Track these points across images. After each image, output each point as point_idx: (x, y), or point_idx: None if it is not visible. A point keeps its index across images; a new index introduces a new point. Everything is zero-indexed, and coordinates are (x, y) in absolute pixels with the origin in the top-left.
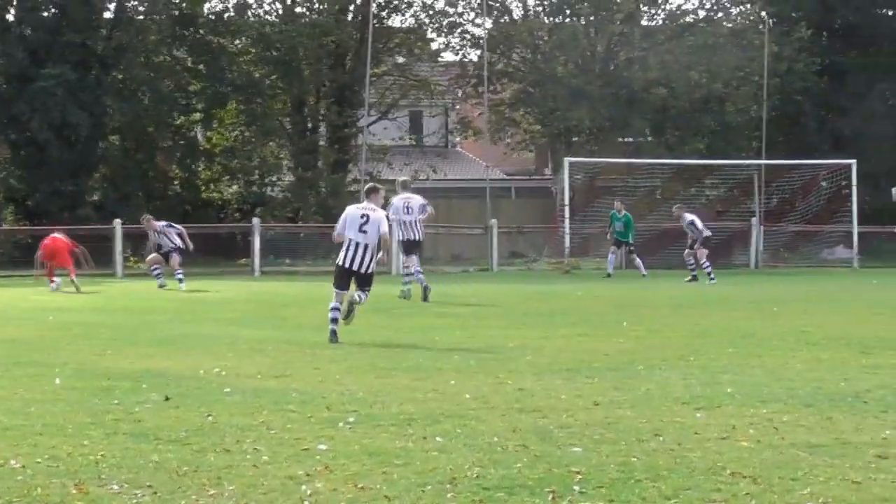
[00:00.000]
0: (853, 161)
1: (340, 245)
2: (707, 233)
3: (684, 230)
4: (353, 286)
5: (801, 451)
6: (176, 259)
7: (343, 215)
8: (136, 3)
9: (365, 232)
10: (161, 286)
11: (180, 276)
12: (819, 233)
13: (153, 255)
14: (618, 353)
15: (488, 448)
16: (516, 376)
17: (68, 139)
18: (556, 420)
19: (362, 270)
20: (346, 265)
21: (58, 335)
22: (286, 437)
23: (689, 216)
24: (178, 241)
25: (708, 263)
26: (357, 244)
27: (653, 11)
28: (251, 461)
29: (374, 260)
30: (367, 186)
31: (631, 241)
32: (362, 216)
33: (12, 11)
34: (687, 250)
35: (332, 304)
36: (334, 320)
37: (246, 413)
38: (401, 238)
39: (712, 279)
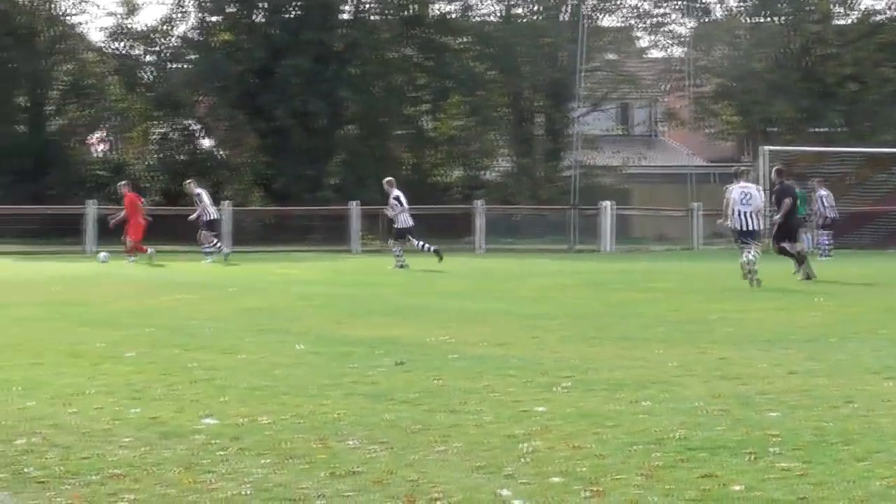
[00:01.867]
0: None
1: None
2: (832, 213)
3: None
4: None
5: None
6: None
7: (728, 195)
8: (370, 5)
9: (749, 204)
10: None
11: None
12: None
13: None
14: (812, 325)
15: (692, 412)
16: (718, 346)
17: (308, 127)
18: (755, 387)
19: (751, 228)
20: (743, 228)
21: (300, 305)
22: (507, 400)
23: (824, 191)
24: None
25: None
26: (743, 212)
27: (844, 11)
28: (475, 421)
29: (757, 220)
30: (735, 169)
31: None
32: (744, 193)
33: (260, 14)
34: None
35: (743, 258)
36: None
37: (470, 377)
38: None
39: (824, 256)
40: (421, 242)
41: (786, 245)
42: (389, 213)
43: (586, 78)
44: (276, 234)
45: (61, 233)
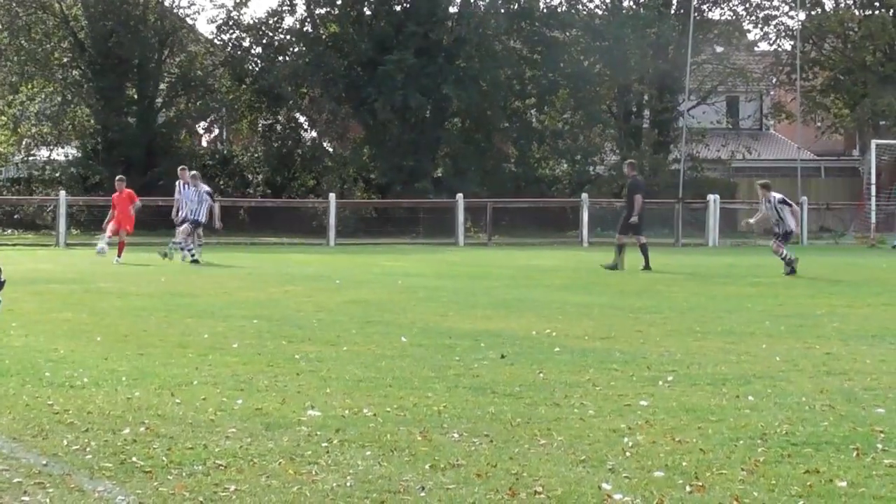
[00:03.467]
0: None
1: None
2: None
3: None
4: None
5: None
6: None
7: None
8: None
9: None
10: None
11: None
12: None
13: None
14: None
15: (796, 407)
16: (824, 341)
17: (411, 120)
18: (861, 383)
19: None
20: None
21: (404, 297)
22: (610, 394)
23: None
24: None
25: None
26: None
27: None
28: (578, 414)
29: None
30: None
31: None
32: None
33: (367, 6)
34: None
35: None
36: None
37: (574, 371)
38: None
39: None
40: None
41: (625, 239)
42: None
43: (694, 71)
44: (380, 226)
45: (171, 224)
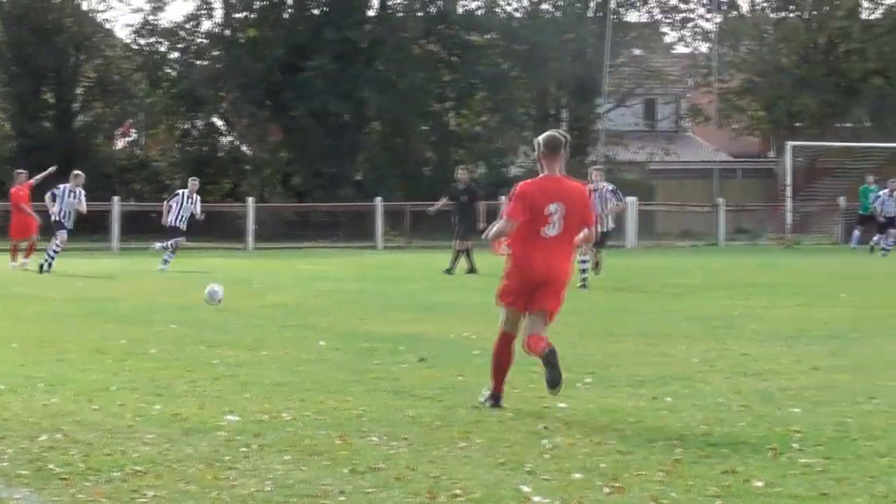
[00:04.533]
0: None
1: None
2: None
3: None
4: None
5: None
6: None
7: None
8: (396, 1)
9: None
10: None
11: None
12: None
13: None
14: (836, 321)
15: (714, 408)
16: (741, 342)
17: (330, 124)
18: (777, 383)
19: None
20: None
21: (323, 301)
22: (529, 396)
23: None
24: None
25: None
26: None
27: (871, 6)
28: (497, 417)
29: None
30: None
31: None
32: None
33: (285, 11)
34: None
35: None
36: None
37: None
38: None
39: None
40: None
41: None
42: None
43: (612, 74)
44: (299, 230)
45: (87, 230)
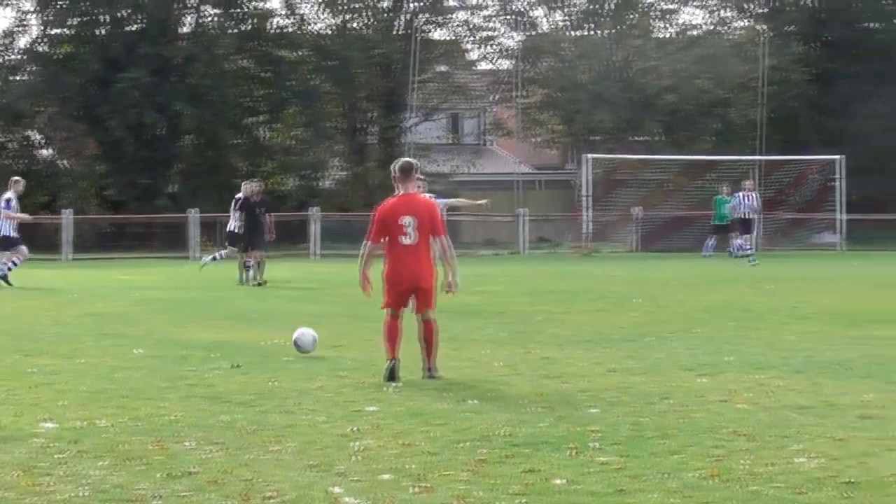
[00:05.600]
0: (841, 157)
1: None
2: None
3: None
4: None
5: (792, 412)
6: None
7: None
8: (210, 19)
9: None
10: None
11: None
12: (809, 220)
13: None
14: (631, 325)
15: (516, 409)
16: (542, 346)
17: (145, 137)
18: (577, 385)
19: None
20: None
21: (140, 310)
22: (340, 400)
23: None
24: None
25: None
26: None
27: (664, 25)
28: (309, 421)
29: None
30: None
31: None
32: None
33: (101, 27)
34: None
35: None
36: None
37: (305, 378)
38: None
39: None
40: None
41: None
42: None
43: (418, 89)
44: (116, 241)
45: None
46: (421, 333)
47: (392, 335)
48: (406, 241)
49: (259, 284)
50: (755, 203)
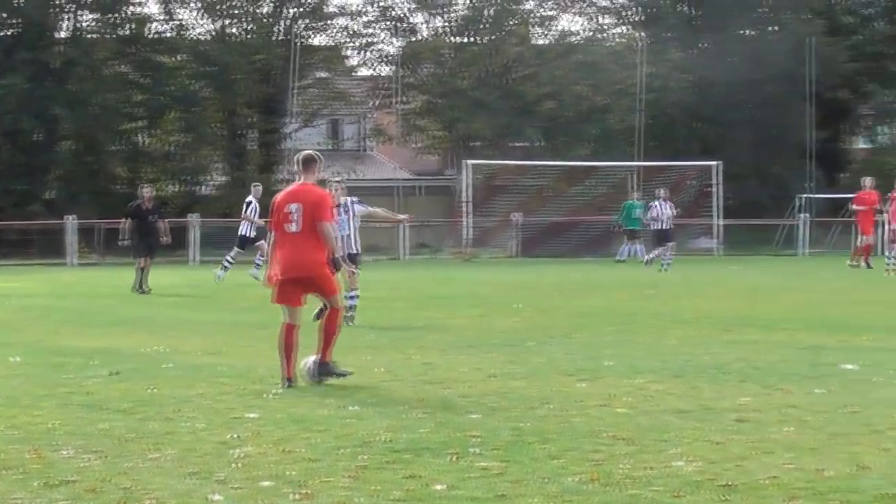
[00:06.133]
0: (718, 162)
1: None
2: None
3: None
4: None
5: (671, 416)
6: None
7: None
8: (88, 24)
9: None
10: None
11: None
12: (687, 225)
13: None
14: (512, 331)
15: (397, 415)
16: (423, 352)
17: (22, 143)
18: (458, 390)
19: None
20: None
21: (17, 317)
22: (220, 407)
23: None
24: None
25: None
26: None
27: (543, 32)
28: (188, 428)
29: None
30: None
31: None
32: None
33: None
34: None
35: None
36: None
37: (184, 386)
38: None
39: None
40: None
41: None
42: None
43: (298, 95)
44: None
45: None
46: (322, 323)
47: (288, 348)
48: (291, 228)
49: (143, 292)
50: (671, 211)
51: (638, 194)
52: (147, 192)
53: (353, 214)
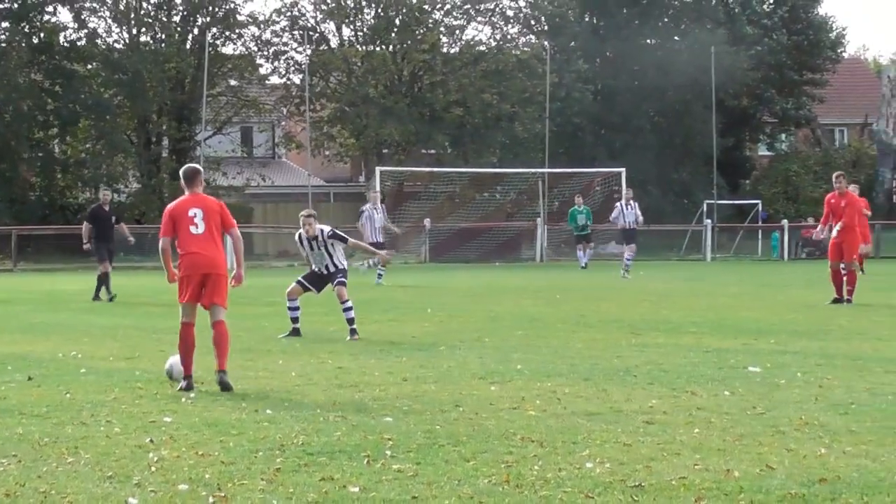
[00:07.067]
0: (623, 169)
1: None
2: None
3: None
4: None
5: (581, 418)
6: None
7: None
8: (0, 32)
9: None
10: None
11: None
12: (594, 231)
13: None
14: (423, 335)
15: (311, 419)
16: (336, 356)
17: None
18: (371, 394)
19: None
20: None
21: None
22: (135, 412)
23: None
24: None
25: None
26: None
27: (451, 41)
28: (104, 432)
29: None
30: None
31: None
32: None
33: None
34: None
35: None
36: None
37: (100, 390)
38: None
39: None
40: None
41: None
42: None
43: (210, 102)
44: None
45: None
46: (213, 338)
47: (187, 347)
48: (195, 230)
49: (111, 299)
50: (637, 213)
51: (580, 199)
52: (105, 195)
53: (326, 245)
